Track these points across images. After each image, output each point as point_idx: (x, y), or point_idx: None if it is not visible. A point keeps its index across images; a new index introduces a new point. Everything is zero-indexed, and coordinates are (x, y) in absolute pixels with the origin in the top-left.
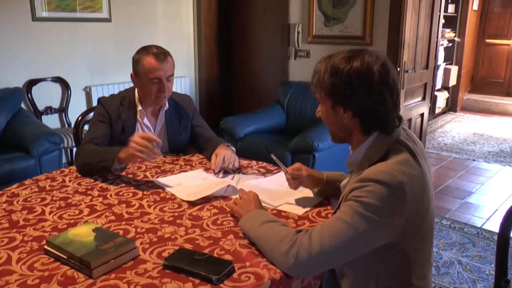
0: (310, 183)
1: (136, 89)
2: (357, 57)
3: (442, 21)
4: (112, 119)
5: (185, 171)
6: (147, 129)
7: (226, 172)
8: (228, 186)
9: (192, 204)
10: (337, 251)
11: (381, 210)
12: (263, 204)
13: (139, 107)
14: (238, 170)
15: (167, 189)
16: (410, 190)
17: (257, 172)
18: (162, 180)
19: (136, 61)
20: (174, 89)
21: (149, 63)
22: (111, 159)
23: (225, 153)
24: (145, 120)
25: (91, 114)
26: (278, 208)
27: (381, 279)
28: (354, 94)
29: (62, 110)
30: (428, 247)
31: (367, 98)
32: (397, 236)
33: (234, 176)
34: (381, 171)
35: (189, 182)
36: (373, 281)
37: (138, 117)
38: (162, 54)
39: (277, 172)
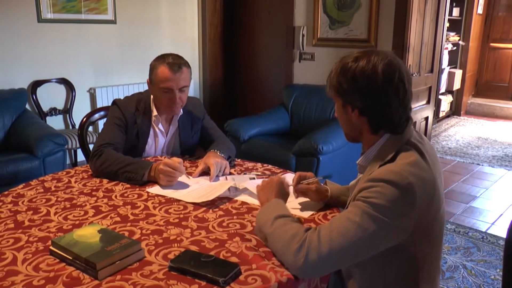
0: (315, 197)
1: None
2: (365, 57)
3: (446, 24)
4: (128, 124)
5: (189, 173)
6: (160, 133)
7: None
8: (230, 188)
9: (197, 206)
10: (346, 252)
11: (390, 211)
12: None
13: (155, 112)
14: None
15: (168, 195)
16: (420, 192)
17: (254, 172)
18: (154, 190)
19: (152, 68)
20: None
21: (162, 73)
22: (141, 174)
23: (215, 163)
24: (160, 126)
25: (96, 116)
26: None
27: (389, 282)
28: (359, 93)
29: (67, 111)
30: (437, 251)
31: (372, 97)
32: (406, 238)
33: (226, 177)
34: (391, 172)
35: (186, 188)
36: (381, 284)
37: (152, 122)
38: (176, 65)
39: (282, 174)
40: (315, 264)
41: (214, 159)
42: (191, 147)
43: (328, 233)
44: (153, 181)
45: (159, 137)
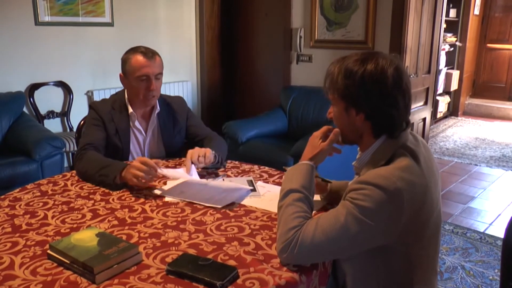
0: (316, 190)
1: (125, 92)
2: (371, 60)
3: (443, 25)
4: (105, 122)
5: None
6: (138, 132)
7: (217, 175)
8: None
9: (195, 209)
10: (325, 248)
11: (375, 215)
12: (262, 207)
13: (130, 110)
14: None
15: (182, 198)
16: (409, 197)
17: (251, 174)
18: (165, 191)
19: (124, 61)
20: (177, 93)
21: (137, 61)
22: (112, 177)
23: (191, 151)
24: (136, 123)
25: None
26: None
27: (383, 284)
28: (367, 97)
29: (64, 114)
30: (432, 253)
31: (380, 101)
32: (394, 241)
33: (223, 179)
34: (380, 176)
35: (196, 187)
36: (375, 286)
37: (129, 120)
38: (150, 53)
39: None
40: (293, 256)
41: (195, 150)
42: (176, 148)
43: (313, 229)
44: (127, 184)
45: (138, 136)
